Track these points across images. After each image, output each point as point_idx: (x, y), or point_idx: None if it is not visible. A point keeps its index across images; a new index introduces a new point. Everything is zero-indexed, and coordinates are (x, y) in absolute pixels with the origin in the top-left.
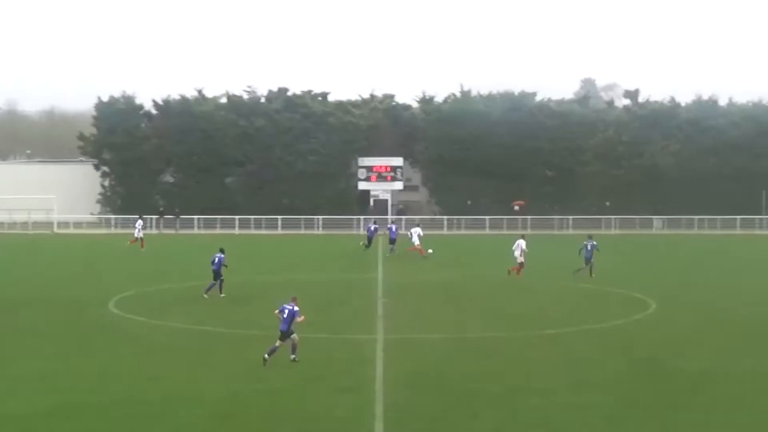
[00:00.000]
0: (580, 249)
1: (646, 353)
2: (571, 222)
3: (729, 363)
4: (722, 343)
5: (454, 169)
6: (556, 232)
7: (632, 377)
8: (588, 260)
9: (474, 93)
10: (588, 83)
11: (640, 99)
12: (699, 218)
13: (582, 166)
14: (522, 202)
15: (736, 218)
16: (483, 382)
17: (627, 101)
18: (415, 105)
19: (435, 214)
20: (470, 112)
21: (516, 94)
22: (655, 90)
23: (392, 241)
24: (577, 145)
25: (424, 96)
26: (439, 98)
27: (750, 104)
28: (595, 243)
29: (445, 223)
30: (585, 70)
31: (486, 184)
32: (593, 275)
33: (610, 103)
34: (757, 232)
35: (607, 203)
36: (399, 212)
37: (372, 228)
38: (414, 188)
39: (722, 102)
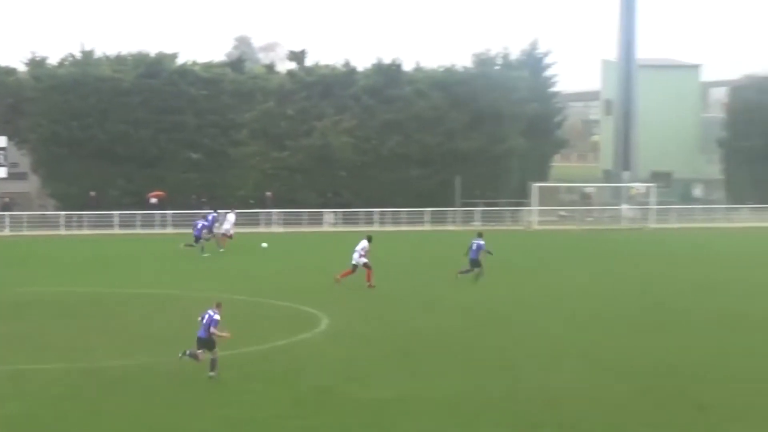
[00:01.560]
0: (467, 250)
1: (316, 381)
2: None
3: (422, 388)
4: (413, 365)
5: (74, 152)
6: None
7: (300, 411)
8: (474, 262)
9: (99, 54)
10: (243, 42)
11: (308, 63)
12: (381, 211)
13: (236, 146)
14: (161, 193)
15: (424, 211)
16: (111, 420)
17: (292, 65)
18: (21, 68)
19: (48, 209)
20: (94, 78)
21: (153, 55)
22: (326, 53)
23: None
24: (230, 120)
25: (34, 57)
26: (53, 60)
27: (441, 70)
28: (482, 243)
29: (62, 220)
30: (238, 27)
31: (115, 171)
32: (479, 280)
33: (271, 68)
34: (450, 227)
35: (268, 193)
36: (4, 207)
37: (200, 225)
38: (21, 176)
39: (408, 67)
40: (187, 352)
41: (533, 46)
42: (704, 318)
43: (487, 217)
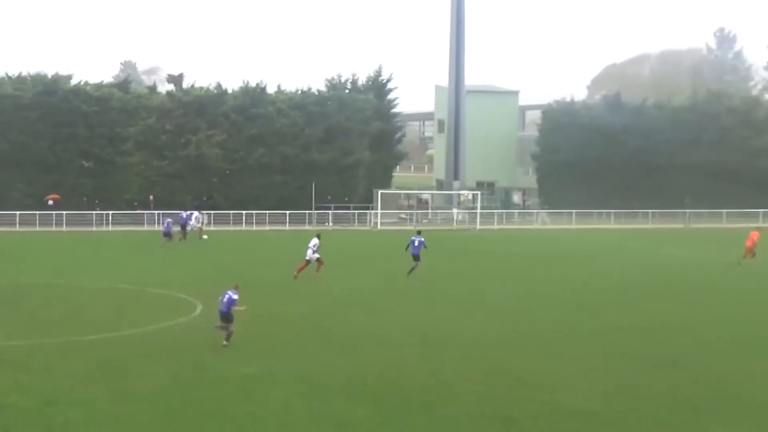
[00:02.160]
0: (407, 246)
1: (193, 359)
2: (111, 218)
3: (282, 364)
4: (274, 345)
5: None
6: (94, 229)
7: (178, 384)
8: (415, 257)
9: (1, 74)
10: (129, 66)
11: (185, 85)
12: (248, 213)
13: (123, 156)
14: (56, 196)
15: (285, 213)
16: (12, 396)
17: (171, 87)
18: None
19: None
20: None
21: (50, 76)
22: (201, 76)
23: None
24: (117, 133)
25: None
26: None
27: (299, 92)
28: (422, 239)
29: None
30: (125, 52)
31: (17, 176)
32: (416, 272)
33: (153, 89)
34: (307, 227)
35: (151, 197)
36: None
37: (168, 222)
38: None
39: (271, 89)
40: (216, 324)
41: (378, 72)
42: (512, 301)
43: (338, 219)
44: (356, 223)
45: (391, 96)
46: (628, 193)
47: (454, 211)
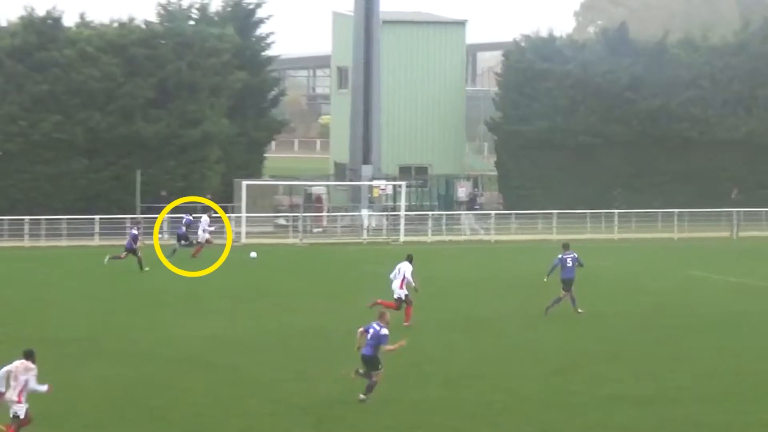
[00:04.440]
0: (551, 269)
1: None
2: None
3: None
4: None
5: None
6: None
7: None
8: (569, 283)
9: None
10: None
11: None
12: (32, 220)
13: None
14: None
15: (94, 219)
16: None
17: None
18: None
19: None
20: None
21: None
22: None
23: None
24: None
25: None
26: None
27: (114, 26)
28: (576, 255)
29: None
30: None
31: None
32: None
33: None
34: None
35: None
36: None
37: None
38: None
39: (69, 21)
40: (360, 371)
41: None
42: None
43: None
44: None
45: (261, 30)
46: (639, 183)
47: (364, 213)
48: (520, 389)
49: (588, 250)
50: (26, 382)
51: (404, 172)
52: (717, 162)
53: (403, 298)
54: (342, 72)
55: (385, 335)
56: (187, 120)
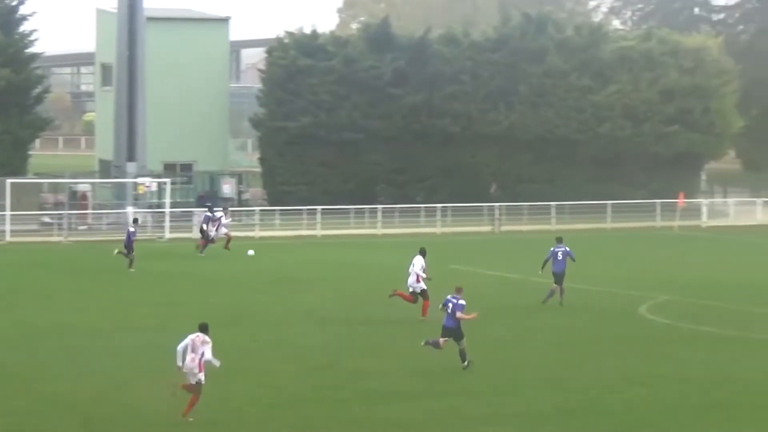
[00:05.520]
0: (545, 262)
1: None
2: None
3: None
4: None
5: None
6: None
7: None
8: (560, 276)
9: None
10: None
11: None
12: None
13: None
14: None
15: None
16: None
17: None
18: None
19: None
20: None
21: None
22: None
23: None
24: None
25: None
26: None
27: None
28: (568, 249)
29: None
30: None
31: None
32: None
33: None
34: None
35: None
36: None
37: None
38: None
39: None
40: (429, 341)
41: None
42: None
43: None
44: None
45: (24, 27)
46: (402, 178)
47: (130, 210)
48: (284, 385)
49: (353, 245)
50: (203, 354)
51: (169, 168)
52: (479, 157)
53: (419, 292)
54: (106, 69)
55: (462, 304)
56: None
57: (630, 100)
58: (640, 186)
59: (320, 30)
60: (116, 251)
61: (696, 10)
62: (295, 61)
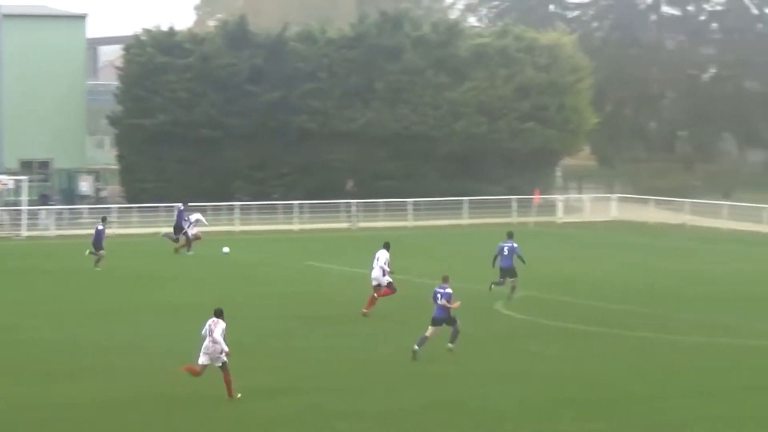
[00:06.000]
0: (495, 257)
1: None
2: None
3: None
4: None
5: None
6: None
7: None
8: (509, 271)
9: None
10: None
11: None
12: None
13: None
14: None
15: None
16: None
17: None
18: None
19: None
20: None
21: None
22: None
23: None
24: None
25: None
26: None
27: None
28: (516, 246)
29: None
30: None
31: None
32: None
33: None
34: None
35: None
36: None
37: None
38: None
39: None
40: (414, 346)
41: None
42: None
43: None
44: None
45: None
46: (260, 175)
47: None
48: (140, 383)
49: (210, 242)
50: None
51: (26, 166)
52: (336, 154)
53: (385, 285)
54: None
55: (449, 293)
56: None
57: (486, 96)
58: (497, 182)
59: (178, 27)
60: (87, 251)
61: (551, 7)
62: (152, 59)
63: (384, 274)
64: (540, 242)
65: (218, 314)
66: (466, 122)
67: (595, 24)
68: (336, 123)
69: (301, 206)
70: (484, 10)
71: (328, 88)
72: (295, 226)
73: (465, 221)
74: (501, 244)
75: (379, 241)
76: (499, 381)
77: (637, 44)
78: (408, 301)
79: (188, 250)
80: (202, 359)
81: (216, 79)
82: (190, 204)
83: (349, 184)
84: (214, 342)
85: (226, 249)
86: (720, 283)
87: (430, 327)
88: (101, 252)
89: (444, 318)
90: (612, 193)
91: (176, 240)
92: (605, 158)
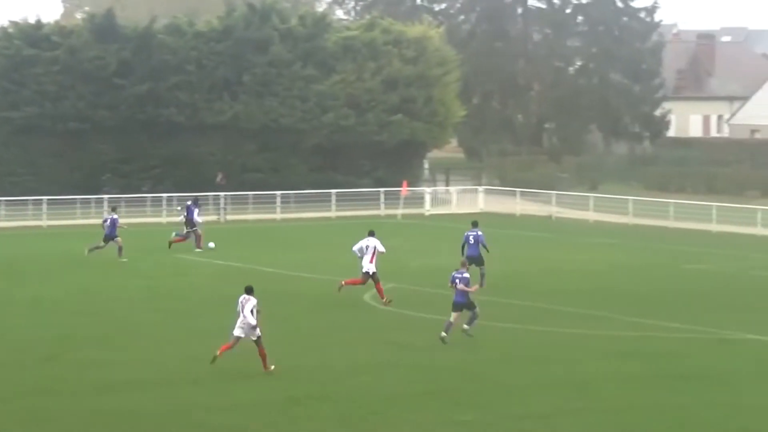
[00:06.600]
0: (462, 245)
1: None
2: None
3: None
4: None
5: None
6: None
7: None
8: (475, 259)
9: None
10: None
11: None
12: None
13: None
14: None
15: None
16: None
17: None
18: None
19: None
20: None
21: None
22: None
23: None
24: None
25: None
26: None
27: None
28: (481, 234)
29: None
30: None
31: None
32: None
33: None
34: None
35: None
36: None
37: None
38: None
39: None
40: (442, 333)
41: None
42: None
43: None
44: None
45: None
46: (128, 168)
47: None
48: (7, 377)
49: (79, 235)
50: (252, 312)
51: None
52: (204, 146)
53: (371, 273)
54: None
55: (467, 277)
56: None
57: (354, 89)
58: (365, 174)
59: (45, 20)
60: (91, 248)
61: (418, 0)
62: (19, 51)
63: (371, 261)
64: (408, 234)
65: (248, 291)
66: (334, 115)
67: (461, 17)
68: (204, 116)
69: (169, 199)
70: (351, 3)
71: (196, 80)
72: (164, 219)
73: (333, 213)
74: (467, 233)
75: (248, 233)
76: (367, 372)
77: (504, 37)
78: (278, 297)
79: (199, 247)
80: (237, 332)
81: (84, 72)
82: (57, 197)
83: (219, 177)
84: (245, 318)
85: (211, 244)
86: (584, 275)
87: (452, 313)
88: (118, 239)
89: (464, 303)
90: (479, 185)
91: (185, 237)
92: (472, 150)
